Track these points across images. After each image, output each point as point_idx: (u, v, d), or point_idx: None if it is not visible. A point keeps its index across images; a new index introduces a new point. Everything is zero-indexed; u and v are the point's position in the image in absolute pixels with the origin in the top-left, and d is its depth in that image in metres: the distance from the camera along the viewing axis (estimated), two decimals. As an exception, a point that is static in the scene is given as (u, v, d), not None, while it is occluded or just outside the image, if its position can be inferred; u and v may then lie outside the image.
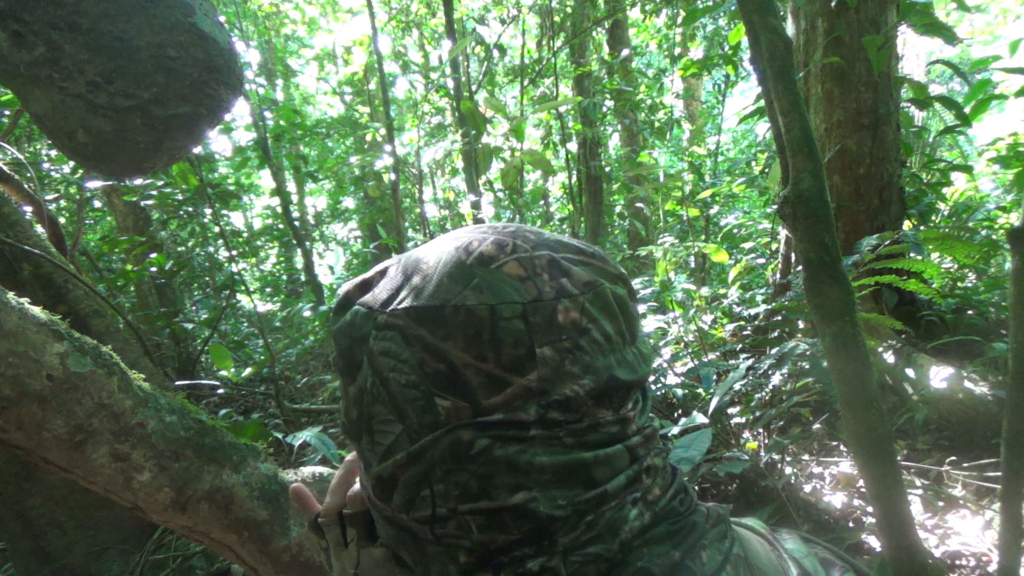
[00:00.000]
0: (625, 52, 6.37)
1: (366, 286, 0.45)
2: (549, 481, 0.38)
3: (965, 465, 2.29)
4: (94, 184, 3.80)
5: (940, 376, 2.52)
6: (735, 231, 5.13)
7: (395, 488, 0.41)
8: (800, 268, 1.18)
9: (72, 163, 4.04)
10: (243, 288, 5.02)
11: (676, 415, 2.78)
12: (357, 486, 0.56)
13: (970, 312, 3.05)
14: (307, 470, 1.55)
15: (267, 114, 5.52)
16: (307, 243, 6.62)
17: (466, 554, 0.40)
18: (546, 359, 0.38)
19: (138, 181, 4.07)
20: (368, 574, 0.53)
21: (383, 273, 0.45)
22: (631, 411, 0.42)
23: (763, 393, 2.40)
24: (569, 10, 5.95)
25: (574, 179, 5.83)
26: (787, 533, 0.49)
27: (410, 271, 0.43)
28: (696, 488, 2.27)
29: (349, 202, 8.84)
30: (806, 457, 2.61)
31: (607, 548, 0.38)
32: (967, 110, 3.14)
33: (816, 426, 2.71)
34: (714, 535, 0.41)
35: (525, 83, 5.75)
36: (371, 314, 0.42)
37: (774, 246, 4.06)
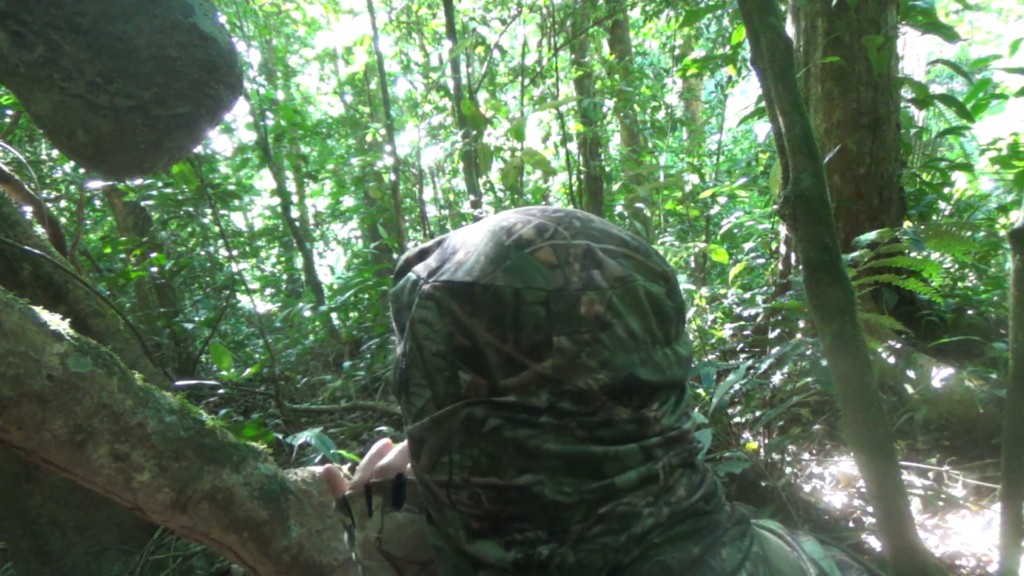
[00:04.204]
0: (628, 56, 6.36)
1: (424, 254, 0.47)
2: (557, 467, 0.38)
3: (965, 465, 2.29)
4: (94, 184, 3.80)
5: (940, 376, 2.51)
6: (735, 231, 5.12)
7: (422, 449, 0.43)
8: (800, 268, 1.18)
9: (72, 163, 4.04)
10: (243, 288, 5.02)
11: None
12: (386, 460, 0.59)
13: (970, 312, 3.04)
14: (307, 471, 1.55)
15: (268, 114, 5.52)
16: (307, 243, 6.61)
17: (478, 521, 0.41)
18: (562, 348, 0.38)
19: (138, 181, 4.07)
20: (391, 538, 0.56)
21: (440, 243, 0.47)
22: (655, 411, 0.41)
23: (763, 393, 2.40)
24: (569, 9, 5.94)
25: (574, 179, 5.83)
26: (804, 535, 0.49)
27: (457, 246, 0.44)
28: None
29: (349, 201, 8.83)
30: (806, 457, 2.61)
31: (615, 539, 0.38)
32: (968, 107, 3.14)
33: (816, 426, 2.71)
34: (734, 533, 0.42)
35: (525, 83, 5.74)
36: (418, 283, 0.43)
37: (774, 246, 4.05)
